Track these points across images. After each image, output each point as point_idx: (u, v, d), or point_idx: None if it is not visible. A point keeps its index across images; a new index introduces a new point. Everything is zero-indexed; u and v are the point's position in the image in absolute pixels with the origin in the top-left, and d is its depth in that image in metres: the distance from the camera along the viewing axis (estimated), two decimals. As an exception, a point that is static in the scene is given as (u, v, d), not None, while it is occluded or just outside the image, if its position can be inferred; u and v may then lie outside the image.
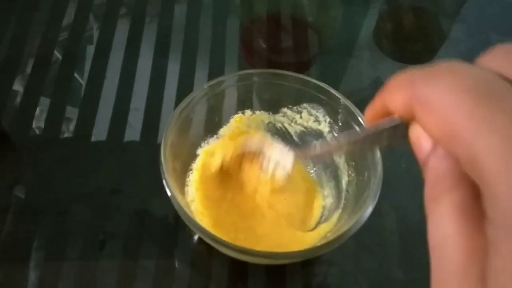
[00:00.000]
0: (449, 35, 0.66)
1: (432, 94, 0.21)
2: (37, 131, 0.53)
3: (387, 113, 0.25)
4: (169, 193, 0.38)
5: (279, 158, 0.41)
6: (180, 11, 0.64)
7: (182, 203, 0.38)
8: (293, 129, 0.49)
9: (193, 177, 0.46)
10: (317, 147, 0.36)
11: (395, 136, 0.26)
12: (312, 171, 0.48)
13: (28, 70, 0.57)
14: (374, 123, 0.26)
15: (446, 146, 0.20)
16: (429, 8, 0.69)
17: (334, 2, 0.69)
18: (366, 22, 0.65)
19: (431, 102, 0.20)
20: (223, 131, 0.48)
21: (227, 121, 0.48)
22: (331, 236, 0.39)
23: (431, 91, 0.21)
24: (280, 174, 0.41)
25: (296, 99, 0.47)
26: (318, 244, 0.38)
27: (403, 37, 0.65)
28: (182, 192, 0.43)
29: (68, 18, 0.63)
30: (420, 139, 0.23)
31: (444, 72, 0.21)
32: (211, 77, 0.57)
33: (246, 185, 0.45)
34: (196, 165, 0.46)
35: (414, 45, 0.64)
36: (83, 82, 0.57)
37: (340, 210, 0.43)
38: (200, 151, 0.47)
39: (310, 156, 0.42)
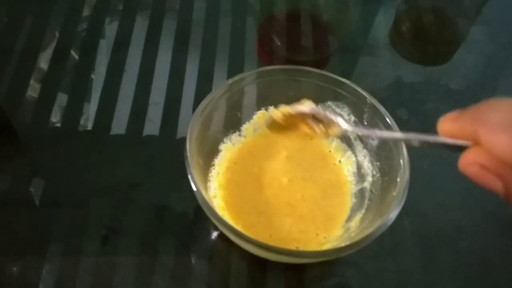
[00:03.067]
0: (469, 37, 0.66)
1: None
2: (55, 125, 0.53)
3: (469, 138, 0.26)
4: (194, 188, 0.38)
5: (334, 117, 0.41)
6: (199, 6, 0.64)
7: (206, 198, 0.38)
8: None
9: (215, 173, 0.46)
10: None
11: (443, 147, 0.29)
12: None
13: (46, 63, 0.58)
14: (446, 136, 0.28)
15: None
16: (447, 8, 0.68)
17: (352, 1, 0.69)
18: (384, 22, 0.66)
19: None
20: (246, 127, 0.49)
21: (250, 118, 0.49)
22: (355, 237, 0.39)
23: None
24: (335, 129, 0.42)
25: (320, 97, 0.47)
26: (342, 245, 0.38)
27: (421, 37, 0.64)
28: (205, 187, 0.44)
29: (87, 11, 0.63)
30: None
31: None
32: (230, 72, 0.57)
33: (272, 181, 0.45)
34: (219, 161, 0.47)
35: (432, 45, 0.64)
36: (101, 76, 0.57)
37: (363, 211, 0.43)
38: (222, 147, 0.47)
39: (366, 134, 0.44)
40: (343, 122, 0.41)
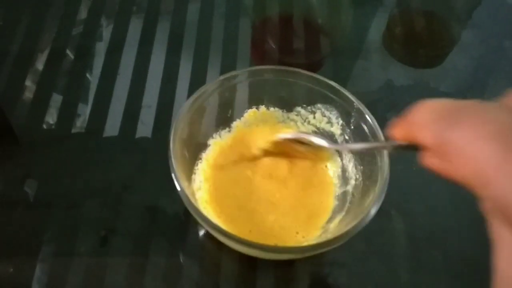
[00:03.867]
0: (460, 40, 0.66)
1: (461, 140, 0.23)
2: (49, 126, 0.54)
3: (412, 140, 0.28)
4: (174, 176, 0.39)
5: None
6: (193, 9, 0.65)
7: (187, 191, 0.39)
8: (306, 129, 0.50)
9: (202, 167, 0.47)
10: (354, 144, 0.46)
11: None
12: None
13: (41, 65, 0.59)
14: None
15: (474, 188, 0.23)
16: (440, 12, 0.69)
17: (345, 4, 0.70)
18: (376, 25, 0.66)
19: (461, 149, 0.23)
20: (236, 124, 0.50)
21: (241, 115, 0.50)
22: (331, 236, 0.39)
23: (459, 136, 0.23)
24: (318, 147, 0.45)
25: (311, 99, 0.48)
26: (314, 242, 0.39)
27: (413, 40, 0.65)
28: (189, 179, 0.45)
29: (82, 14, 0.64)
30: None
31: (470, 114, 0.24)
32: (223, 74, 0.58)
33: (257, 178, 0.46)
34: (206, 155, 0.48)
35: (424, 49, 0.64)
36: (95, 78, 0.58)
37: (343, 213, 0.44)
38: (211, 142, 0.49)
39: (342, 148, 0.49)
40: (320, 140, 0.45)
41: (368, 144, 0.44)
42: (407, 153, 0.32)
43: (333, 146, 0.46)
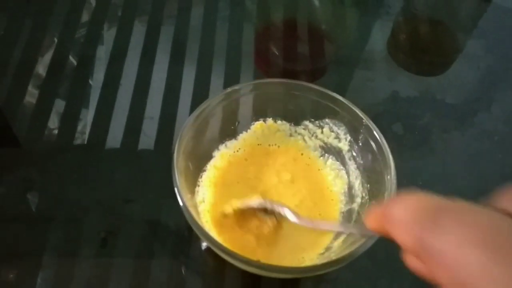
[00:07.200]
0: (465, 49, 0.66)
1: (441, 245, 0.22)
2: (51, 137, 0.53)
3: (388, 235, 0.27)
4: (176, 191, 0.39)
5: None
6: (196, 18, 0.65)
7: (190, 204, 0.39)
8: (313, 143, 0.50)
9: (206, 179, 0.47)
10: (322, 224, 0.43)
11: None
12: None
13: (42, 75, 0.59)
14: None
15: None
16: (445, 20, 0.69)
17: (349, 12, 0.69)
18: (381, 33, 0.66)
19: (441, 255, 0.22)
20: (242, 137, 0.49)
21: (247, 127, 0.49)
22: (334, 257, 0.39)
23: (440, 241, 0.22)
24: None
25: (318, 113, 0.48)
26: (317, 263, 0.39)
27: (417, 49, 0.65)
28: (192, 191, 0.45)
29: (84, 22, 0.64)
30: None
31: (452, 216, 0.23)
32: (226, 84, 0.58)
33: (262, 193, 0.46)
34: (211, 166, 0.48)
35: (428, 57, 0.64)
36: (97, 89, 0.57)
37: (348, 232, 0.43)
38: (216, 153, 0.48)
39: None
40: (290, 214, 0.41)
41: (342, 227, 0.44)
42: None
43: (301, 223, 0.41)
